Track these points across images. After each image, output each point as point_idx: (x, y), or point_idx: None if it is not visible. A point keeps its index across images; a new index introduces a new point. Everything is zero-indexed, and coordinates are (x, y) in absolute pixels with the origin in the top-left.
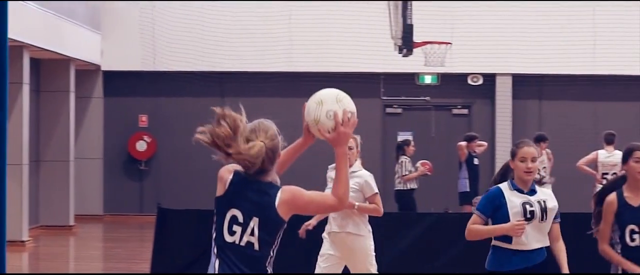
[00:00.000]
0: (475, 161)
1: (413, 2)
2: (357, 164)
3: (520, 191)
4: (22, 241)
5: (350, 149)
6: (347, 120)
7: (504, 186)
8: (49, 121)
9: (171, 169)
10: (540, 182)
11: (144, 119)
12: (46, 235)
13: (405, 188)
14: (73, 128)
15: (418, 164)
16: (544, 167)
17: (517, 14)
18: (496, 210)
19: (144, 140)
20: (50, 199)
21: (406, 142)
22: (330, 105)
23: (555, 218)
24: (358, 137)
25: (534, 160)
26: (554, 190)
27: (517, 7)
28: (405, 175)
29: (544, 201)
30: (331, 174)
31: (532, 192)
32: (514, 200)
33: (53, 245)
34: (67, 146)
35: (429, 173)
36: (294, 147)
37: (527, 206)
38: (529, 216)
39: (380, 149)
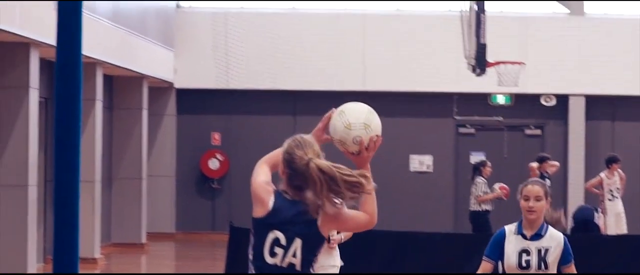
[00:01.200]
0: (548, 182)
1: (487, 22)
2: None
3: (524, 236)
4: (94, 258)
5: None
6: (372, 145)
7: (510, 228)
8: (122, 138)
9: (244, 187)
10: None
11: (216, 137)
12: (118, 253)
13: (480, 209)
14: (146, 145)
15: (495, 186)
16: (617, 188)
17: (590, 35)
18: (502, 253)
19: (217, 158)
20: (122, 217)
21: (483, 163)
22: (358, 131)
23: (566, 262)
24: None
25: (538, 199)
26: (626, 210)
27: (590, 27)
28: (480, 196)
29: (546, 250)
30: None
31: (538, 236)
32: (510, 248)
33: (124, 263)
34: (139, 163)
35: (505, 198)
36: None
37: (524, 255)
38: (524, 265)
39: (453, 169)
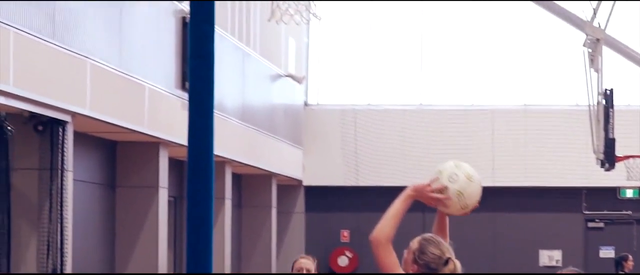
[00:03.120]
0: None
1: (615, 116)
2: None
3: None
4: None
5: (308, 270)
6: (438, 193)
7: None
8: (251, 236)
9: None
10: None
11: (345, 234)
12: None
13: None
14: (275, 243)
15: None
16: None
17: None
18: None
19: (346, 256)
20: None
21: (624, 258)
22: (459, 179)
23: None
24: (316, 261)
25: None
26: None
27: None
28: None
29: None
30: None
31: None
32: None
33: None
34: (268, 261)
35: None
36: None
37: None
38: None
39: (582, 264)
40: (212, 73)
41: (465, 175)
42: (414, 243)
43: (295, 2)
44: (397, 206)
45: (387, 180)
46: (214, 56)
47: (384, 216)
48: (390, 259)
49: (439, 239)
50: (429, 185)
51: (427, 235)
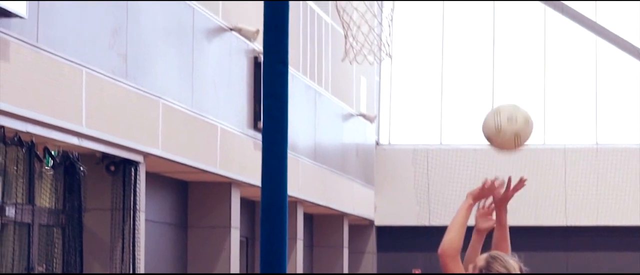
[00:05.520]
0: None
1: None
2: None
3: None
4: None
5: None
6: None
7: None
8: None
9: None
10: None
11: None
12: None
13: None
14: None
15: None
16: None
17: None
18: None
19: None
20: None
21: None
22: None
23: None
24: None
25: None
26: None
27: None
28: None
29: None
30: None
31: None
32: None
33: None
34: None
35: None
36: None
37: None
38: None
39: None
40: (286, 113)
41: (524, 118)
42: (480, 260)
43: (369, 42)
44: (460, 217)
45: None
46: (287, 96)
47: (449, 229)
48: (459, 271)
49: (506, 257)
50: (482, 185)
51: (494, 252)
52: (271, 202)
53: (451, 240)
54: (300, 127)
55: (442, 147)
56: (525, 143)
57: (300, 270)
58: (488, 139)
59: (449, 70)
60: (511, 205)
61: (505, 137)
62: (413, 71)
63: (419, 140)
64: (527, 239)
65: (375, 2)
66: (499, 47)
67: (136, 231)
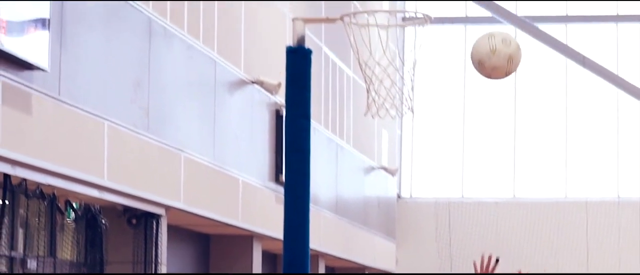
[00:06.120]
0: None
1: None
2: None
3: None
4: None
5: None
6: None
7: None
8: None
9: None
10: None
11: None
12: None
13: None
14: None
15: None
16: None
17: None
18: None
19: None
20: None
21: None
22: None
23: None
24: None
25: None
26: None
27: None
28: None
29: None
30: None
31: None
32: None
33: None
34: None
35: None
36: None
37: None
38: None
39: None
40: (308, 167)
41: (516, 43)
42: None
43: (391, 96)
44: None
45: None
46: (309, 150)
47: None
48: None
49: None
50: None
51: None
52: (293, 255)
53: None
54: (322, 180)
55: (463, 200)
56: (515, 71)
57: None
58: (479, 63)
59: (471, 123)
60: (533, 257)
61: (498, 58)
62: (434, 124)
63: (440, 193)
64: None
65: (398, 57)
66: (521, 100)
67: None
